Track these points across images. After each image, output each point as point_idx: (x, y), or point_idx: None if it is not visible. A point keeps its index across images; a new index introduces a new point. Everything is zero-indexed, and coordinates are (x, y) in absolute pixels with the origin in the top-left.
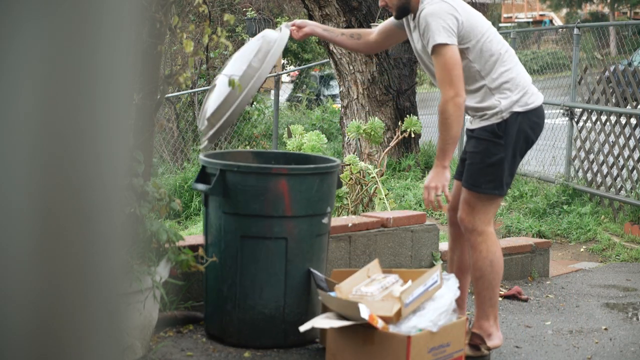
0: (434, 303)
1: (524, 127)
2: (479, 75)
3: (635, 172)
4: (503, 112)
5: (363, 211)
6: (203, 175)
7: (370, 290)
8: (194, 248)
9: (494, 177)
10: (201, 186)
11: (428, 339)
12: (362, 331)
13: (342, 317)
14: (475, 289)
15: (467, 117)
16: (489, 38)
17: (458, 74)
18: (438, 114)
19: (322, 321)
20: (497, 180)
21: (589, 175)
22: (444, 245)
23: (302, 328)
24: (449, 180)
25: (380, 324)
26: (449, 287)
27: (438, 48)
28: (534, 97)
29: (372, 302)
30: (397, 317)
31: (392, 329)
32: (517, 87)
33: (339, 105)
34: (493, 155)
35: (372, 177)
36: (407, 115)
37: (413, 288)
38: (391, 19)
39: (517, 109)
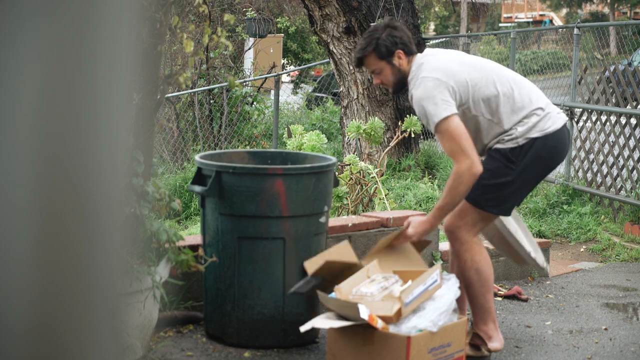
0: (434, 303)
1: (542, 154)
2: (493, 123)
3: (635, 172)
4: (518, 138)
5: (363, 211)
6: (199, 177)
7: (370, 291)
8: (194, 248)
9: (496, 197)
10: (197, 188)
11: (428, 339)
12: (362, 331)
13: (342, 317)
14: (467, 296)
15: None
16: (485, 83)
17: (468, 142)
18: (452, 179)
19: (322, 321)
20: (498, 200)
21: (589, 175)
22: (444, 245)
23: (303, 328)
24: (426, 235)
25: (380, 324)
26: (449, 287)
27: (440, 125)
28: (553, 120)
29: (371, 302)
30: (397, 317)
31: (392, 329)
32: (534, 113)
33: None
34: (500, 177)
35: (372, 177)
36: (407, 115)
37: (413, 287)
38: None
39: (534, 134)
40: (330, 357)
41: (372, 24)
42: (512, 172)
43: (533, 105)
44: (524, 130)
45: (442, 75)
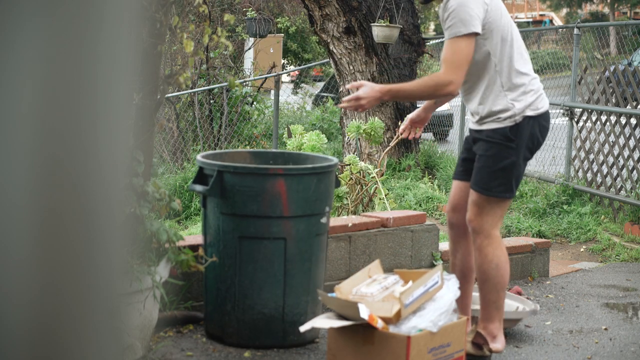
0: (435, 303)
1: (535, 131)
2: (493, 69)
3: (635, 172)
4: (516, 115)
5: (363, 211)
6: (201, 176)
7: (370, 291)
8: (194, 248)
9: (505, 181)
10: (199, 187)
11: (428, 339)
12: (362, 331)
13: (342, 317)
14: (480, 291)
15: (471, 117)
16: (512, 34)
17: (465, 66)
18: (432, 80)
19: (322, 321)
20: (508, 184)
21: (589, 175)
22: (444, 245)
23: (302, 328)
24: (370, 105)
25: (380, 324)
26: (449, 288)
27: (457, 37)
28: (544, 101)
29: (372, 302)
30: (397, 318)
31: (392, 329)
32: (531, 89)
33: None
34: (504, 159)
35: (372, 177)
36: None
37: (413, 289)
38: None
39: (529, 112)
40: (330, 356)
41: (372, 24)
42: (514, 151)
43: (532, 82)
44: (521, 108)
45: None
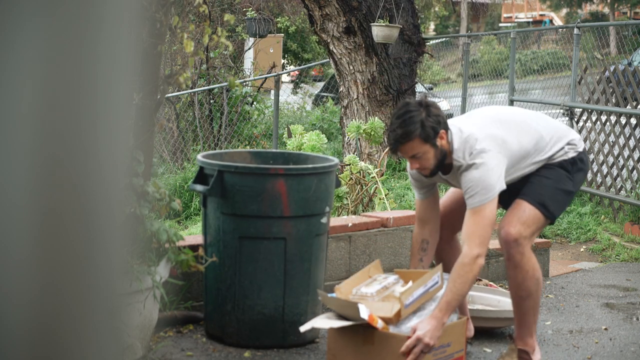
0: (435, 303)
1: (585, 167)
2: (533, 163)
3: (635, 172)
4: (567, 152)
5: (363, 211)
6: (201, 176)
7: (370, 291)
8: (194, 248)
9: (562, 205)
10: (199, 187)
11: None
12: (362, 331)
13: (342, 317)
14: (520, 307)
15: None
16: (520, 142)
17: (490, 231)
18: (464, 265)
19: (322, 321)
20: (562, 209)
21: (589, 175)
22: None
23: (303, 328)
24: (436, 340)
25: (380, 324)
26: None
27: (483, 206)
28: (581, 142)
29: (372, 302)
30: (397, 318)
31: (392, 329)
32: (567, 138)
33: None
34: (565, 185)
35: (372, 177)
36: None
37: (413, 289)
38: (419, 199)
39: (579, 149)
40: (330, 356)
41: (372, 24)
42: (572, 184)
43: (567, 137)
44: (569, 148)
45: (497, 145)
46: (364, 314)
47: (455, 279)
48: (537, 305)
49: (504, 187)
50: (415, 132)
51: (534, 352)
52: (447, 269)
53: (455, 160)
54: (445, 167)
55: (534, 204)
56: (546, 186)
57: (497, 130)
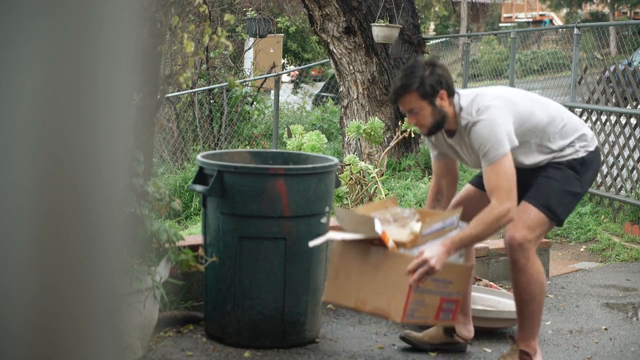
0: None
1: (595, 167)
2: (542, 147)
3: (635, 172)
4: (578, 151)
5: None
6: (201, 176)
7: (387, 217)
8: (194, 248)
9: (569, 208)
10: (199, 187)
11: None
12: (368, 249)
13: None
14: (523, 310)
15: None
16: (537, 109)
17: (515, 185)
18: (491, 215)
19: (334, 234)
20: (568, 212)
21: None
22: None
23: (312, 243)
24: (440, 263)
25: (391, 244)
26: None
27: (498, 160)
28: (594, 139)
29: (388, 226)
30: (411, 244)
31: (402, 251)
32: (580, 132)
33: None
34: (572, 187)
35: (372, 177)
36: None
37: (433, 221)
38: (434, 159)
39: (590, 148)
40: (332, 273)
41: (372, 24)
42: (580, 185)
43: (579, 131)
44: (581, 145)
45: (504, 103)
46: (379, 228)
47: (479, 223)
48: (540, 308)
49: (516, 143)
50: (412, 85)
51: (536, 354)
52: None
53: (462, 119)
54: (450, 131)
55: (539, 207)
56: (553, 188)
57: (510, 94)
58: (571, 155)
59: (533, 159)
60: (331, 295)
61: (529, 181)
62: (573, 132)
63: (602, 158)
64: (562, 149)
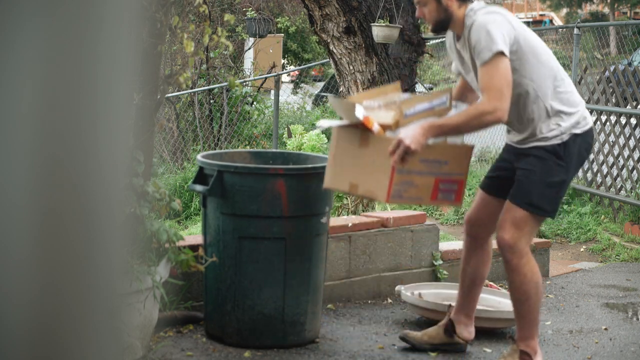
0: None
1: (582, 150)
2: (534, 94)
3: (635, 172)
4: (563, 134)
5: (363, 211)
6: (201, 176)
7: (377, 103)
8: (194, 248)
9: (554, 200)
10: (199, 187)
11: None
12: (360, 134)
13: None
14: (519, 310)
15: (510, 135)
16: (545, 55)
17: (509, 89)
18: (476, 110)
19: (327, 122)
20: (555, 203)
21: (589, 175)
22: (444, 245)
23: (319, 126)
24: (422, 147)
25: (376, 127)
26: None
27: (493, 57)
28: (588, 118)
29: (373, 109)
30: (396, 126)
31: (388, 134)
32: (575, 109)
33: None
34: (554, 176)
35: None
36: None
37: (416, 101)
38: (456, 77)
39: (576, 130)
40: (331, 158)
41: (372, 24)
42: (565, 170)
43: (577, 105)
44: (567, 127)
45: (506, 16)
46: (359, 114)
47: (462, 114)
48: (537, 308)
49: (507, 49)
50: None
51: (536, 354)
52: (475, 273)
53: (467, 17)
54: (459, 36)
55: (522, 206)
56: (533, 182)
57: (526, 31)
58: (554, 140)
59: (521, 120)
60: (329, 181)
61: (515, 175)
62: (569, 104)
63: (594, 136)
64: (555, 112)
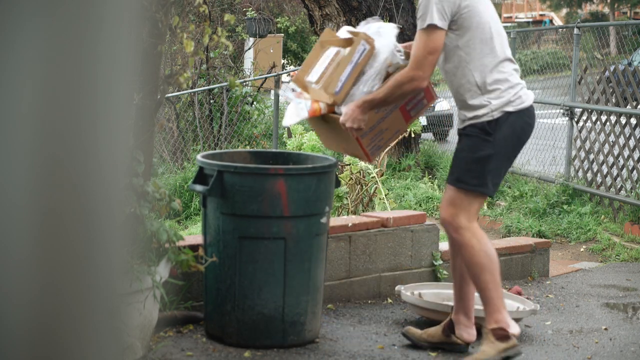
0: (375, 61)
1: (516, 128)
2: (466, 68)
3: (635, 172)
4: (494, 111)
5: (363, 211)
6: (201, 176)
7: (313, 78)
8: (194, 248)
9: (479, 174)
10: (199, 187)
11: None
12: (324, 117)
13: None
14: (479, 286)
15: (459, 117)
16: (491, 30)
17: (433, 60)
18: (400, 76)
19: (290, 119)
20: (482, 177)
21: (589, 175)
22: (444, 245)
23: (285, 125)
24: (364, 121)
25: (324, 110)
26: (384, 41)
27: (427, 29)
28: (526, 96)
29: (314, 89)
30: (339, 100)
31: (337, 110)
32: (509, 87)
33: None
34: (479, 151)
35: (372, 177)
36: None
37: (338, 74)
38: None
39: (509, 108)
40: (316, 133)
41: None
42: (491, 145)
43: (510, 79)
44: (499, 104)
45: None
46: (304, 112)
47: (384, 86)
48: (495, 279)
49: (439, 24)
50: None
51: (509, 326)
52: (462, 268)
53: None
54: None
55: (452, 183)
56: (461, 159)
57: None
58: (485, 117)
59: (456, 93)
60: (324, 143)
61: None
62: (502, 83)
63: (534, 120)
64: (486, 88)
